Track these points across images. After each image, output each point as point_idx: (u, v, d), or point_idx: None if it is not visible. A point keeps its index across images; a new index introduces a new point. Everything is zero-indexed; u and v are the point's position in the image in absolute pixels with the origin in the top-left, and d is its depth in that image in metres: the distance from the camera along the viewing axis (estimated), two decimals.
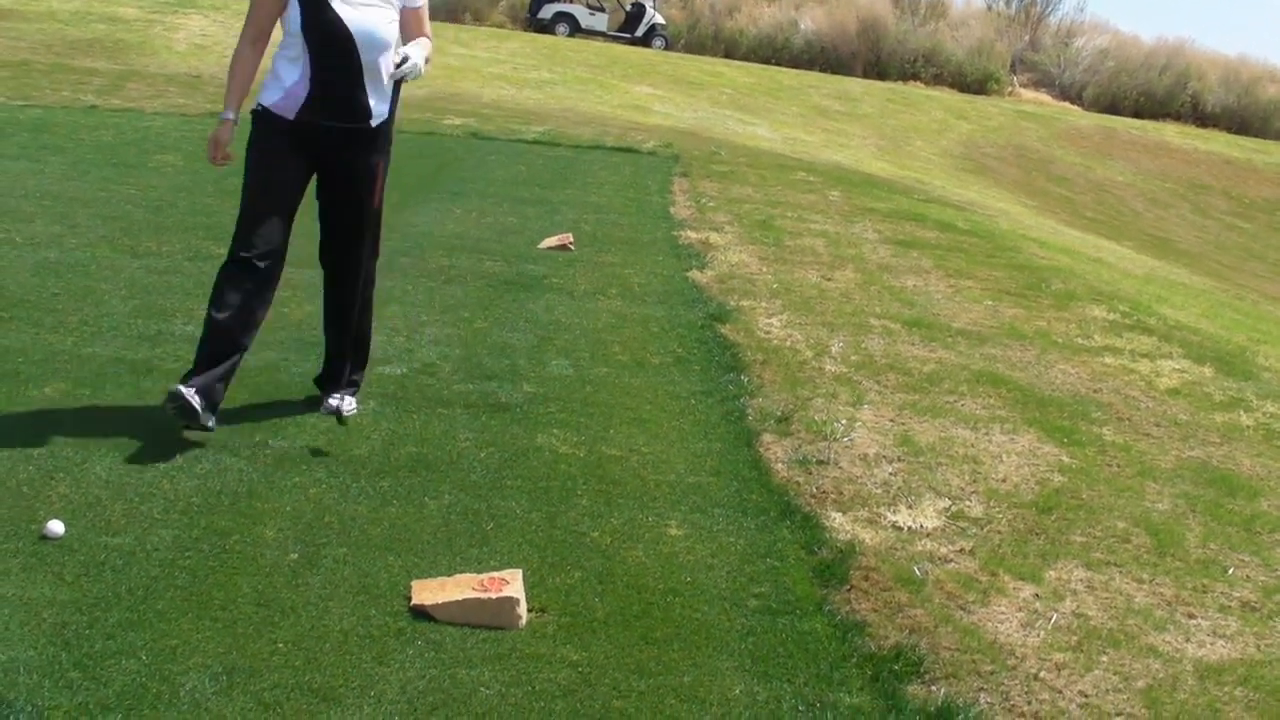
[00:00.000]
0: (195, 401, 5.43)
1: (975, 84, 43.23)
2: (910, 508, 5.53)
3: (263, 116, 5.65)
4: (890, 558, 5.04)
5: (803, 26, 44.08)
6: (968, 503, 5.67)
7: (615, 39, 40.13)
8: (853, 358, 7.76)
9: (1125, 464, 6.43)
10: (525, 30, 40.05)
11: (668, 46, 40.69)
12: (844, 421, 6.53)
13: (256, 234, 5.72)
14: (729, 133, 22.42)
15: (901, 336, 8.37)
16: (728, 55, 42.34)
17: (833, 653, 4.38)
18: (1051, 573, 5.06)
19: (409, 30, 5.78)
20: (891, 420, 6.70)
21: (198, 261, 8.73)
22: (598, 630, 4.38)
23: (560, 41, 35.99)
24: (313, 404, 6.19)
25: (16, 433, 5.58)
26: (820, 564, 4.99)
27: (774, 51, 43.29)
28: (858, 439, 6.32)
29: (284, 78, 5.58)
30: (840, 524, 5.32)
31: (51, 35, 24.67)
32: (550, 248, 10.13)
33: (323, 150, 5.77)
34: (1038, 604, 4.79)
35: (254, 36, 5.59)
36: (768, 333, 8.11)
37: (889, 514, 5.46)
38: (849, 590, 4.78)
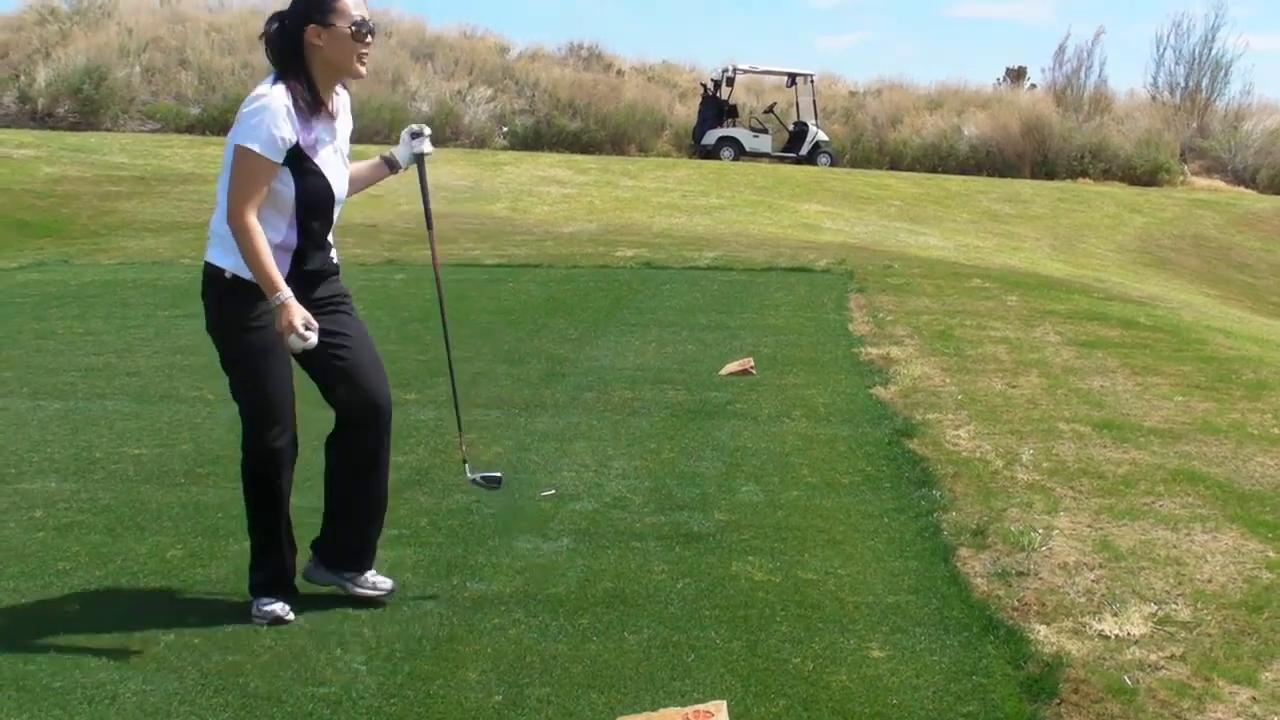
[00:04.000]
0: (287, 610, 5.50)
1: (1146, 176, 42.73)
2: (1115, 615, 5.44)
3: (240, 291, 5.26)
4: (1099, 668, 4.96)
5: (966, 132, 44.00)
6: (1174, 606, 5.56)
7: (780, 159, 40.35)
8: (1044, 465, 7.67)
9: None
10: (691, 157, 40.42)
11: (833, 163, 40.79)
12: (1041, 530, 6.45)
13: (282, 419, 5.45)
14: (901, 244, 22.39)
15: (1092, 439, 8.26)
16: (893, 167, 42.40)
17: None
18: (1268, 674, 4.94)
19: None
20: (1089, 526, 6.60)
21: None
22: None
23: (726, 166, 36.27)
24: (507, 545, 6.28)
25: (217, 586, 5.78)
26: (1028, 678, 4.92)
27: (940, 160, 43.24)
28: (1056, 548, 6.24)
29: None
30: (1045, 636, 5.24)
31: None
32: (732, 373, 10.17)
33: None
34: (1256, 708, 4.67)
35: (255, 208, 5.13)
36: (956, 445, 8.05)
37: (1094, 623, 5.37)
38: (1059, 704, 4.70)
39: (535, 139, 40.85)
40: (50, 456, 7.82)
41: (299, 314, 5.09)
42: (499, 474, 6.09)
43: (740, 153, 40.36)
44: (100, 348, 11.17)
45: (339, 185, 5.42)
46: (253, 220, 5.09)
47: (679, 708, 4.54)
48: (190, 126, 39.06)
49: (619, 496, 7.10)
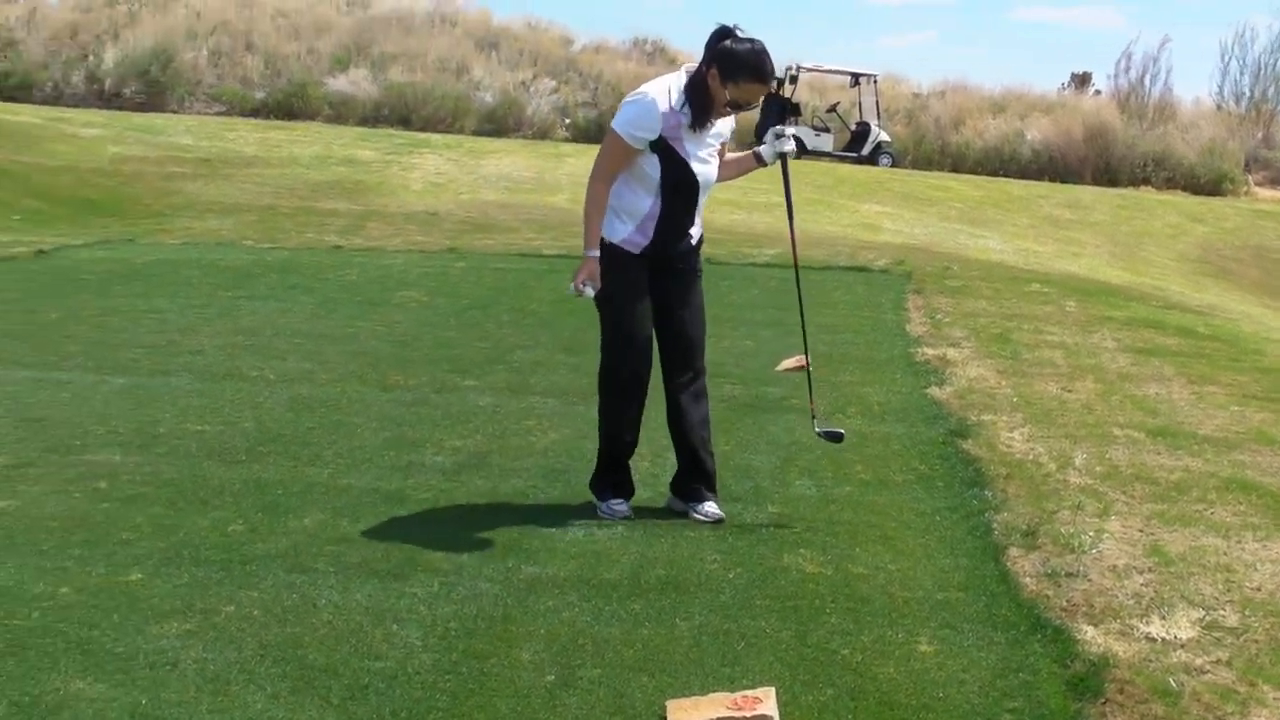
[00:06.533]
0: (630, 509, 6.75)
1: (1209, 185, 42.33)
2: (1163, 619, 5.47)
3: (613, 251, 6.47)
4: (1145, 670, 4.99)
5: (1029, 137, 43.74)
6: (1222, 612, 5.58)
7: (841, 158, 40.22)
8: (1097, 469, 7.69)
9: None
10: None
11: (894, 163, 40.63)
12: (1091, 533, 6.48)
13: (635, 351, 6.65)
14: (960, 247, 22.35)
15: (1146, 446, 8.27)
16: (955, 169, 42.17)
17: None
18: None
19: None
20: (1140, 530, 6.63)
21: (444, 394, 9.02)
22: None
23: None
24: (562, 530, 6.37)
25: (278, 562, 5.88)
26: (1074, 677, 4.96)
27: (1001, 163, 42.99)
28: (1106, 550, 6.27)
29: (629, 217, 6.47)
30: (1092, 637, 5.28)
31: (294, 180, 25.59)
32: (788, 369, 10.16)
33: (658, 272, 6.60)
34: None
35: (609, 180, 6.40)
36: (1010, 446, 8.08)
37: (1142, 625, 5.40)
38: (1104, 704, 4.74)
39: (598, 131, 40.72)
40: (114, 430, 7.95)
41: (591, 272, 6.41)
42: (842, 431, 7.23)
43: (802, 151, 40.17)
44: (163, 326, 11.31)
45: (703, 173, 6.46)
46: (602, 188, 6.40)
47: (727, 693, 4.60)
48: (255, 110, 39.28)
49: None
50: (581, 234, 6.57)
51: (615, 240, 6.47)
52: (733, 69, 6.19)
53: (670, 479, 6.98)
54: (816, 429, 7.22)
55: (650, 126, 6.26)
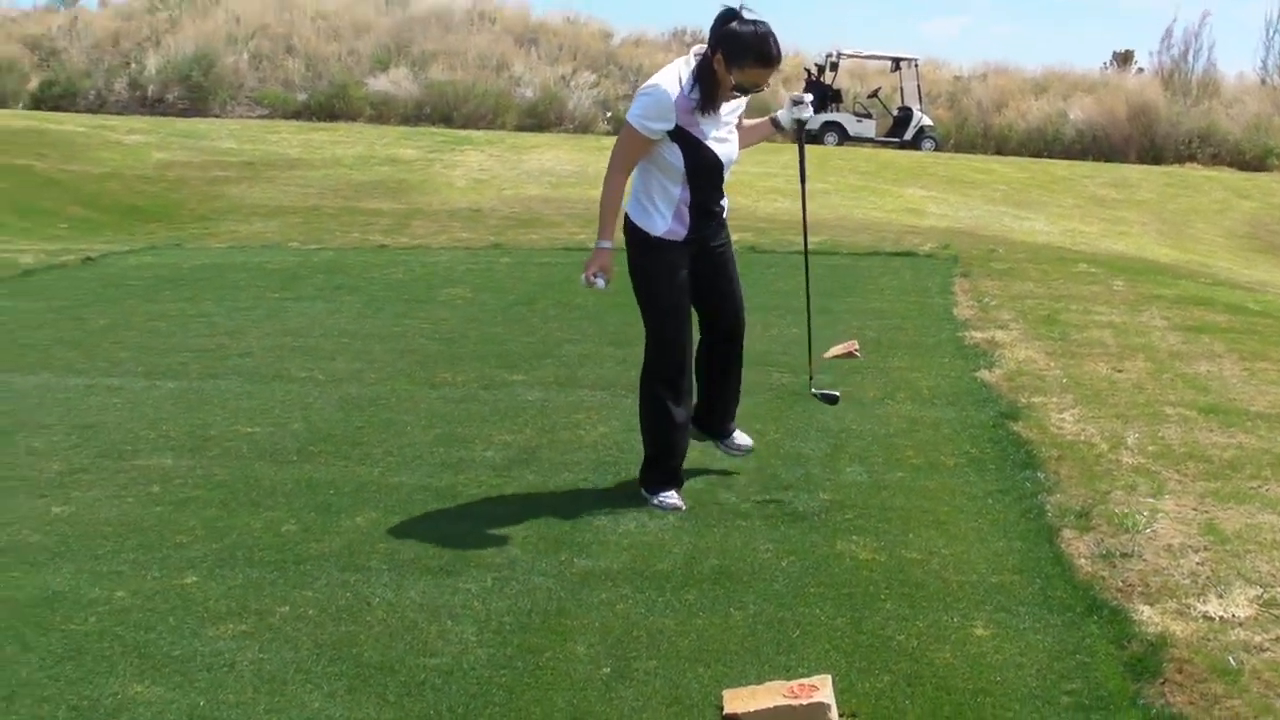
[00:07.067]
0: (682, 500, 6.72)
1: (1255, 160, 41.99)
2: (1220, 597, 5.44)
3: (658, 245, 6.53)
4: (1203, 649, 4.96)
5: (1072, 116, 43.54)
6: None
7: (884, 144, 40.13)
8: (1150, 448, 7.65)
9: None
10: (794, 142, 40.18)
11: (937, 147, 40.51)
12: (1145, 513, 6.45)
13: (682, 335, 6.67)
14: (1006, 229, 22.24)
15: (1198, 424, 8.22)
16: (998, 152, 42.00)
17: None
18: None
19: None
20: (1194, 509, 6.59)
21: (492, 390, 9.02)
22: None
23: (830, 150, 36.12)
24: (614, 522, 6.37)
25: (331, 561, 5.92)
26: (1131, 658, 4.94)
27: (1045, 144, 42.82)
28: (1161, 530, 6.23)
29: (665, 208, 6.51)
30: (1149, 616, 5.26)
31: (338, 180, 25.66)
32: (836, 356, 10.13)
33: (696, 251, 6.65)
34: None
35: (626, 171, 6.45)
36: (1061, 428, 8.04)
37: (1199, 604, 5.37)
38: (1163, 683, 4.72)
39: None
40: (166, 434, 7.99)
41: (603, 263, 6.48)
42: (838, 393, 7.43)
43: (844, 138, 40.18)
44: (212, 329, 11.35)
45: (724, 153, 6.50)
46: (620, 179, 6.44)
47: (784, 681, 4.60)
48: (297, 112, 39.47)
49: (724, 475, 7.17)
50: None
51: (659, 234, 6.51)
52: (737, 53, 6.20)
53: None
54: (813, 391, 7.41)
55: (665, 117, 6.28)
